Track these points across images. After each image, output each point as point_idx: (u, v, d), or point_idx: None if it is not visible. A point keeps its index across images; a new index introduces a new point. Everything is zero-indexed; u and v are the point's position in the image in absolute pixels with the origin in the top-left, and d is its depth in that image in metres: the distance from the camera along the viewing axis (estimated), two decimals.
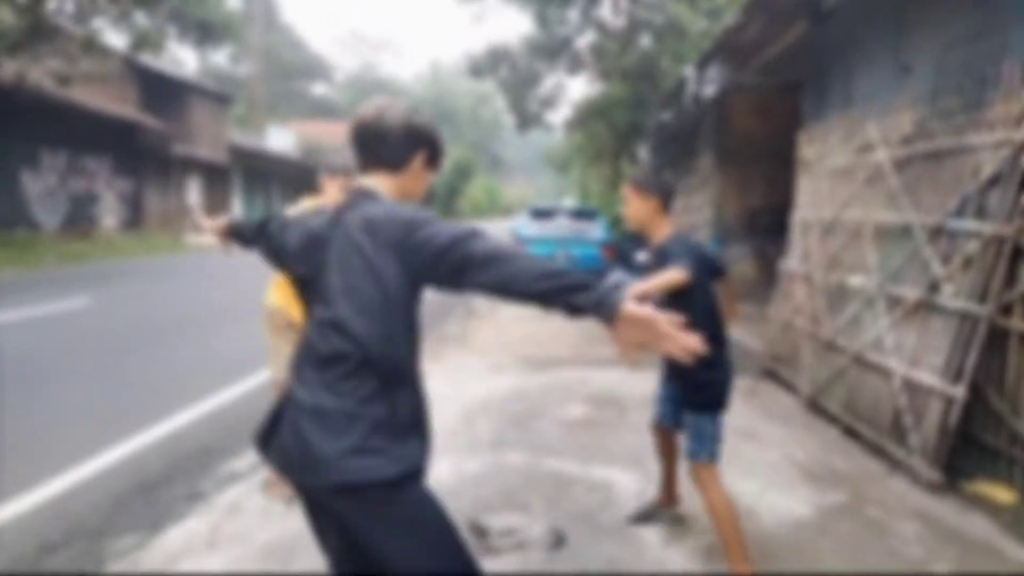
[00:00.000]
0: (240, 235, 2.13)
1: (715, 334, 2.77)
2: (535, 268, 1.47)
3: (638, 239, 3.20)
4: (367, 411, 1.57)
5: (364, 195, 1.72)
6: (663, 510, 3.35)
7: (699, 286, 2.74)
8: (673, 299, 2.64)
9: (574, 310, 1.47)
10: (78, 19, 15.42)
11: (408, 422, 1.63)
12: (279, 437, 1.66)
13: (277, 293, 3.53)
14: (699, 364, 2.83)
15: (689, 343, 1.42)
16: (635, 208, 2.91)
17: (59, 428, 4.43)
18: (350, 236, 1.64)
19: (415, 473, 1.61)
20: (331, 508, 1.64)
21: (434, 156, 1.84)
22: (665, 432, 3.20)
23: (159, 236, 21.23)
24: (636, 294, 2.25)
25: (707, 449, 2.78)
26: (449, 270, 1.55)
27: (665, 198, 2.90)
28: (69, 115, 17.52)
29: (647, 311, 1.42)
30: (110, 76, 18.25)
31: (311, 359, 1.65)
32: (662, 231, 2.91)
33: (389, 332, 1.60)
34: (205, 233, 2.24)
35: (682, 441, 2.94)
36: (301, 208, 3.35)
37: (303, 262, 1.74)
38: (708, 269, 2.85)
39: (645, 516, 3.34)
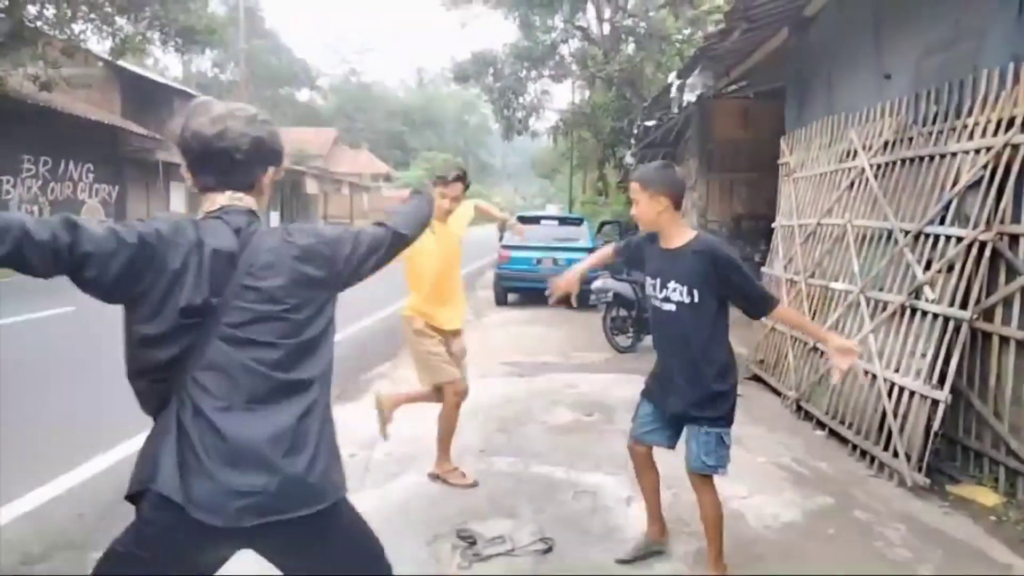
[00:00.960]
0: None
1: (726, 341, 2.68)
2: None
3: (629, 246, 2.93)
4: (326, 430, 1.54)
5: (252, 215, 1.55)
6: (660, 542, 3.03)
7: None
8: (706, 303, 2.55)
9: None
10: (58, 24, 15.26)
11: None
12: (207, 476, 1.38)
13: (406, 302, 3.78)
14: (717, 372, 2.55)
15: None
16: (644, 209, 2.59)
17: (42, 437, 4.37)
18: (288, 262, 1.51)
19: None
20: (259, 545, 1.50)
21: (279, 166, 1.64)
22: (648, 452, 2.90)
23: None
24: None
25: (725, 462, 2.65)
26: (361, 274, 1.69)
27: (677, 197, 2.59)
28: (51, 121, 17.31)
29: None
30: (93, 81, 18.08)
31: (252, 384, 1.45)
32: (681, 234, 2.61)
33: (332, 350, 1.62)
34: None
35: (690, 453, 2.66)
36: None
37: (203, 287, 1.43)
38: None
39: (645, 555, 2.99)
